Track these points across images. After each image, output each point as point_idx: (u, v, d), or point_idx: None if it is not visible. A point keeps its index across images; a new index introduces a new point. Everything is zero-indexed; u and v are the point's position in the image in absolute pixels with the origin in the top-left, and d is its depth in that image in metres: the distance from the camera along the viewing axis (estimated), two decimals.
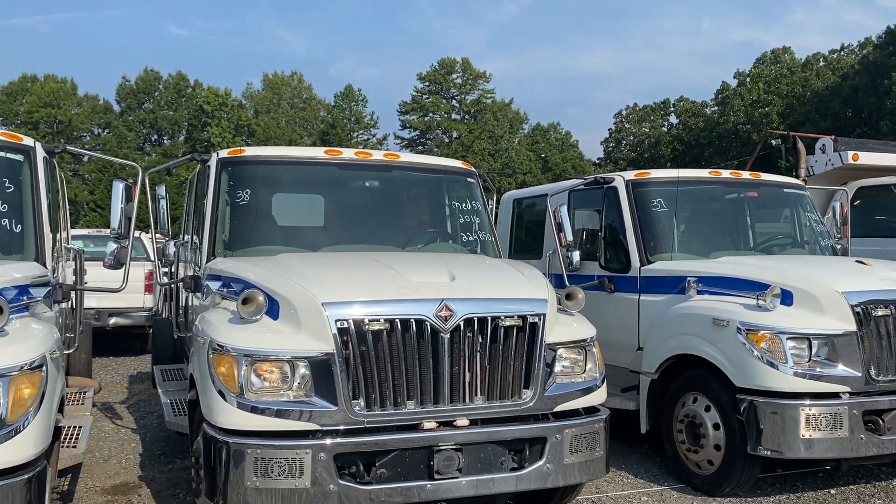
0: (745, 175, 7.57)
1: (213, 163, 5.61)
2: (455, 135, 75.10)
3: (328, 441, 3.88)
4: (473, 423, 4.17)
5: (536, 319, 4.32)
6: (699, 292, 6.01)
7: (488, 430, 4.19)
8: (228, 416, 3.90)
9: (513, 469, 4.23)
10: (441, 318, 4.07)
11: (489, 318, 4.17)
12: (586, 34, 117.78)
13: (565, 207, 6.28)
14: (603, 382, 4.73)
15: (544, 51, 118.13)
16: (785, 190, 7.60)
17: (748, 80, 72.92)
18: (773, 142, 13.10)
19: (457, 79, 75.27)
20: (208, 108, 65.01)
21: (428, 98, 75.32)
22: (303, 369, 3.93)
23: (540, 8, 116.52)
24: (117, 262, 5.32)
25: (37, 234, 5.20)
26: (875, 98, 58.13)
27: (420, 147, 75.14)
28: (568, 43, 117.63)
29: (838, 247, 7.45)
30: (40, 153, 5.42)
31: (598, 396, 4.60)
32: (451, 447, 4.05)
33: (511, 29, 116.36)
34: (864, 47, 67.31)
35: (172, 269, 6.79)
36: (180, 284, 6.29)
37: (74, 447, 4.93)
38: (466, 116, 76.36)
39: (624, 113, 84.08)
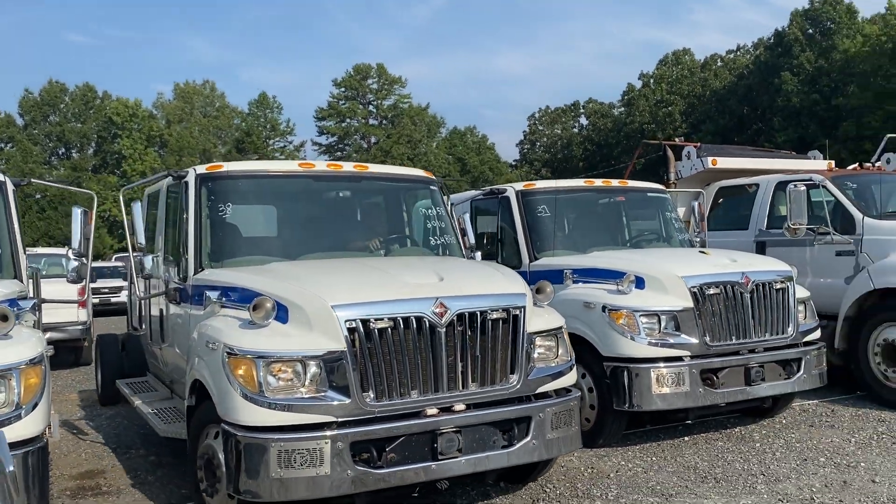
0: (615, 183, 8.65)
1: (190, 178, 5.81)
2: (373, 140, 75.56)
3: (345, 431, 4.17)
4: (469, 407, 4.55)
5: (518, 312, 4.76)
6: (574, 282, 7.06)
7: (483, 413, 4.59)
8: (250, 413, 4.14)
9: (504, 447, 4.64)
10: (437, 315, 4.43)
11: (478, 313, 4.57)
12: (497, 37, 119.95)
13: (468, 215, 7.04)
14: (573, 366, 5.24)
15: (457, 54, 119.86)
16: (649, 194, 8.70)
17: (652, 81, 76.22)
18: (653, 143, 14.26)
19: (373, 84, 75.74)
20: (118, 120, 63.33)
21: (344, 104, 75.47)
22: (318, 367, 4.22)
23: (450, 11, 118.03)
24: (79, 277, 6.18)
25: (13, 255, 5.95)
26: (767, 96, 61.71)
27: (339, 153, 75.27)
28: (480, 46, 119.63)
29: (697, 240, 8.57)
30: (10, 185, 6.11)
31: (570, 379, 5.12)
32: (451, 430, 4.42)
33: (424, 33, 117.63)
34: (757, 48, 71.24)
35: (148, 283, 6.89)
36: (151, 297, 6.58)
37: (52, 435, 5.52)
38: (384, 121, 76.91)
39: (537, 115, 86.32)
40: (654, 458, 6.20)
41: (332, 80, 74.92)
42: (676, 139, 52.67)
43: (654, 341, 6.30)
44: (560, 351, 5.06)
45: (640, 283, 6.60)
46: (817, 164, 10.71)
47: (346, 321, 4.26)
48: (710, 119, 67.22)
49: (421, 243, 6.60)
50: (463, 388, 4.53)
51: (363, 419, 4.23)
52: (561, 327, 5.12)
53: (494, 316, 4.63)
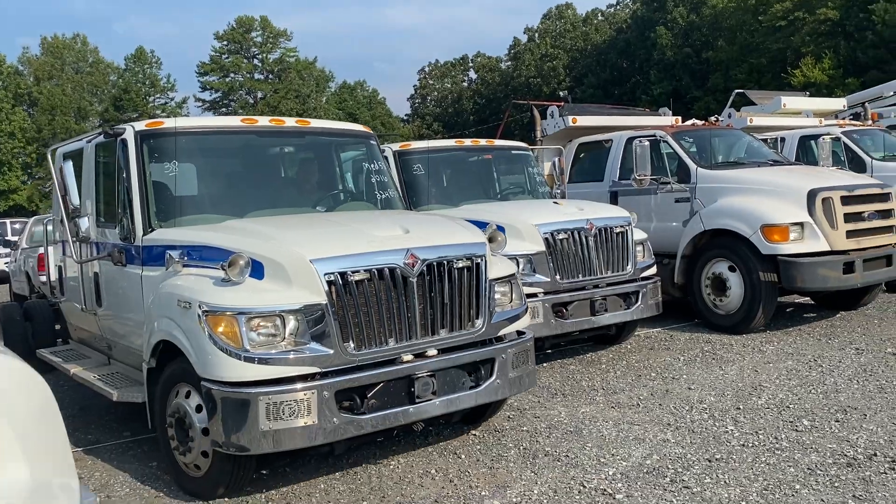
0: (482, 142, 9.44)
1: (129, 136, 5.57)
2: (260, 95, 73.73)
3: (330, 381, 4.28)
4: (440, 352, 4.74)
5: (480, 260, 4.97)
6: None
7: (454, 357, 4.79)
8: (235, 369, 4.17)
9: (471, 387, 4.87)
10: (409, 265, 4.60)
11: (445, 262, 4.76)
12: None
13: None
14: (526, 311, 5.45)
15: (345, 6, 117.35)
16: (513, 151, 9.52)
17: (537, 35, 77.75)
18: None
19: (257, 37, 73.51)
20: None
21: (228, 58, 73.02)
22: (299, 320, 4.28)
23: None
24: None
25: None
26: (644, 50, 64.35)
27: (224, 109, 73.10)
28: None
29: (557, 192, 9.48)
30: None
31: (524, 322, 5.37)
32: (426, 374, 4.60)
33: None
34: (634, 2, 73.75)
35: (81, 247, 6.05)
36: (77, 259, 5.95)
37: None
38: (270, 76, 75.03)
39: (427, 70, 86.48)
40: None
41: (214, 33, 72.26)
42: (560, 93, 54.09)
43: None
44: (514, 296, 5.32)
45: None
46: (665, 120, 11.86)
47: (325, 274, 4.36)
48: (592, 73, 69.49)
49: (365, 198, 6.55)
50: (434, 334, 4.73)
51: (345, 368, 4.37)
52: (514, 274, 5.49)
53: (460, 265, 4.84)
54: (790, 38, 51.70)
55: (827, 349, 7.33)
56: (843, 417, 5.29)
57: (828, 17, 49.82)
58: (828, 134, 11.26)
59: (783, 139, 12.08)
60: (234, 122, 6.22)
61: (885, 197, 8.64)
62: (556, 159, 9.85)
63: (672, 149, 9.39)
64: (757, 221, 8.08)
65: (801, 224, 8.01)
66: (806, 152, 11.83)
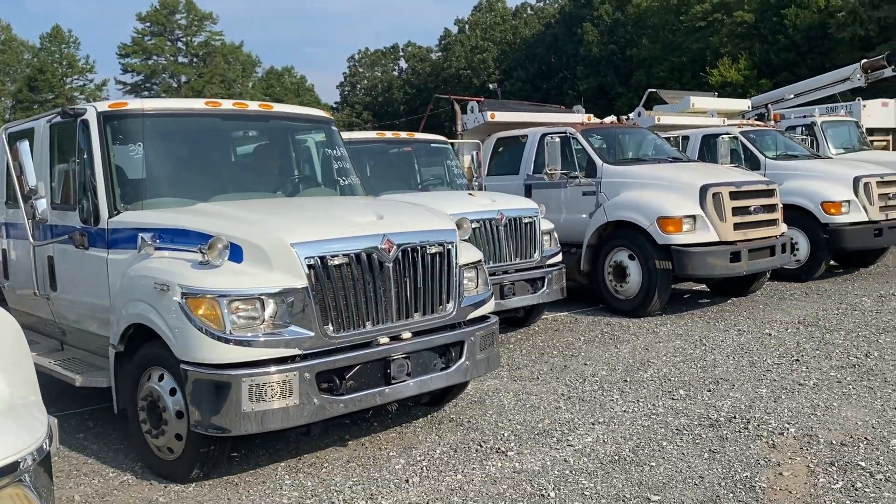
0: (403, 135, 9.84)
1: (90, 117, 5.44)
2: (184, 79, 72.08)
3: (311, 363, 4.34)
4: (414, 335, 4.82)
5: (451, 246, 5.08)
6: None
7: (427, 339, 4.88)
8: (216, 351, 4.18)
9: (442, 369, 4.97)
10: (385, 250, 4.67)
11: (419, 247, 4.86)
12: None
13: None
14: (491, 296, 5.60)
15: None
16: (432, 144, 9.96)
17: (467, 27, 78.44)
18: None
19: (181, 20, 71.82)
20: None
21: (150, 40, 71.11)
22: (280, 303, 4.31)
23: None
24: None
25: None
26: (571, 46, 65.80)
27: (146, 93, 71.12)
28: None
29: (476, 184, 9.98)
30: None
31: (489, 307, 5.50)
32: (401, 356, 4.70)
33: None
34: None
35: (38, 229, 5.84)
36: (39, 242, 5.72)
37: None
38: (195, 60, 73.45)
39: (357, 57, 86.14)
40: None
41: (136, 14, 70.18)
42: (490, 86, 54.37)
43: None
44: (480, 281, 5.45)
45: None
46: (577, 117, 12.49)
47: (305, 258, 4.41)
48: (521, 66, 70.64)
49: (325, 184, 6.52)
50: (408, 317, 4.82)
51: (324, 350, 4.44)
52: (480, 260, 5.56)
53: (433, 250, 4.95)
54: (709, 38, 53.78)
55: (713, 330, 8.05)
56: (715, 388, 5.93)
57: (744, 19, 52.08)
58: (727, 133, 12.07)
59: (687, 138, 12.90)
60: (198, 104, 6.04)
61: (770, 193, 9.41)
62: (475, 153, 10.33)
63: (581, 145, 9.98)
64: (654, 214, 8.75)
65: (693, 216, 8.69)
66: (709, 150, 12.64)
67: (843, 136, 15.33)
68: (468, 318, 5.24)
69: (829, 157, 13.34)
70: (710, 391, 5.84)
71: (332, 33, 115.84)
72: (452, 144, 10.37)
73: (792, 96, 18.95)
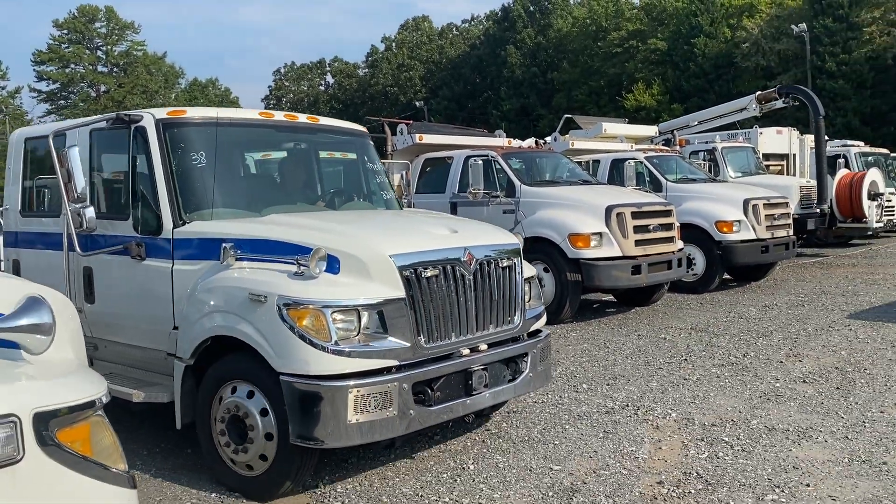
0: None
1: (148, 124, 5.24)
2: (103, 89, 70.49)
3: (408, 373, 4.34)
4: (489, 346, 4.85)
5: (517, 259, 5.16)
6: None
7: (500, 351, 4.92)
8: (322, 363, 4.13)
9: (509, 380, 5.02)
10: (466, 262, 4.73)
11: (493, 260, 4.92)
12: None
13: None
14: (544, 311, 5.62)
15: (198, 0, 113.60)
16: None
17: (394, 45, 79.59)
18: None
19: (101, 28, 70.32)
20: None
21: (68, 48, 69.33)
22: (381, 314, 4.31)
23: None
24: None
25: None
26: (495, 67, 67.72)
27: (63, 101, 69.27)
28: None
29: (405, 202, 10.69)
30: None
31: (543, 321, 5.56)
32: (480, 368, 4.72)
33: None
34: (487, 20, 77.22)
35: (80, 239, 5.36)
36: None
37: None
38: (115, 69, 71.95)
39: (283, 71, 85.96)
40: None
41: (53, 20, 68.25)
42: (417, 104, 55.19)
43: None
44: (534, 295, 5.47)
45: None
46: (499, 141, 13.42)
47: (402, 269, 4.42)
48: (447, 85, 72.11)
49: (367, 198, 6.47)
50: (484, 329, 4.84)
51: (418, 362, 4.43)
52: (535, 275, 5.62)
53: (504, 263, 5.02)
54: (625, 64, 56.43)
55: (616, 335, 8.98)
56: (613, 382, 6.79)
57: (658, 47, 54.90)
58: (633, 158, 13.24)
59: (598, 161, 13.99)
60: (252, 114, 5.91)
61: (667, 213, 10.38)
62: (404, 172, 11.06)
63: (501, 167, 10.85)
64: (565, 231, 9.68)
65: (599, 234, 9.57)
66: (617, 173, 13.73)
67: (741, 160, 16.73)
68: (529, 330, 5.32)
69: (724, 181, 14.65)
70: (608, 385, 6.71)
71: (254, 46, 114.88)
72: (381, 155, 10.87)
73: (696, 123, 20.38)
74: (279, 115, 6.04)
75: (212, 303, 4.60)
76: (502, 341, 5.00)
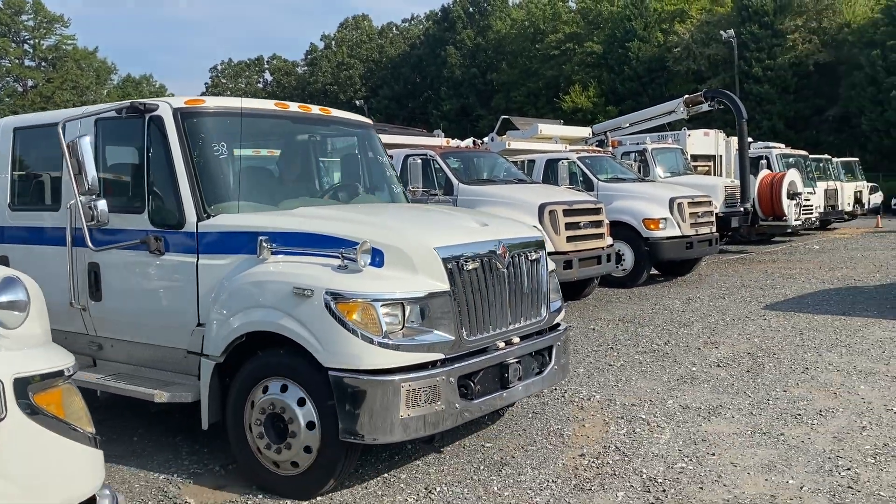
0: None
1: (165, 113, 4.95)
2: (31, 84, 68.23)
3: (453, 367, 4.27)
4: (521, 339, 4.82)
5: (543, 252, 5.15)
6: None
7: (530, 344, 4.90)
8: (374, 357, 4.04)
9: (537, 373, 4.99)
10: (501, 255, 4.70)
11: (524, 253, 4.91)
12: None
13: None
14: (563, 304, 5.59)
15: None
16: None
17: (333, 43, 79.32)
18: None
19: (28, 21, 68.03)
20: None
21: None
22: (427, 307, 4.24)
23: None
24: None
25: None
26: (435, 67, 68.23)
27: None
28: None
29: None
30: None
31: (563, 314, 5.55)
32: (514, 361, 4.67)
33: None
34: (427, 20, 77.65)
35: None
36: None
37: None
38: (43, 64, 69.71)
39: (219, 68, 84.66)
40: None
41: None
42: (357, 102, 55.21)
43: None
44: (553, 288, 5.42)
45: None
46: (438, 141, 13.78)
47: (446, 261, 4.36)
48: (387, 84, 72.28)
49: (377, 191, 6.31)
50: (517, 322, 4.82)
51: (461, 355, 4.37)
52: (554, 269, 5.56)
53: (533, 256, 5.01)
54: (562, 66, 57.61)
55: None
56: None
57: (594, 50, 56.23)
58: (566, 159, 13.75)
59: (533, 161, 14.48)
60: (269, 105, 5.68)
61: (597, 211, 10.85)
62: None
63: (440, 166, 11.21)
64: None
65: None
66: (552, 173, 14.24)
67: (670, 161, 17.47)
68: (552, 323, 5.32)
69: (653, 181, 15.32)
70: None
71: (190, 41, 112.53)
72: None
73: (628, 125, 21.13)
74: (294, 106, 5.84)
75: (249, 298, 4.42)
76: (530, 334, 5.00)
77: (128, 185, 5.28)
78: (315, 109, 6.00)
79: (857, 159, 31.37)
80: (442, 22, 71.01)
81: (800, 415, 5.54)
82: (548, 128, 17.98)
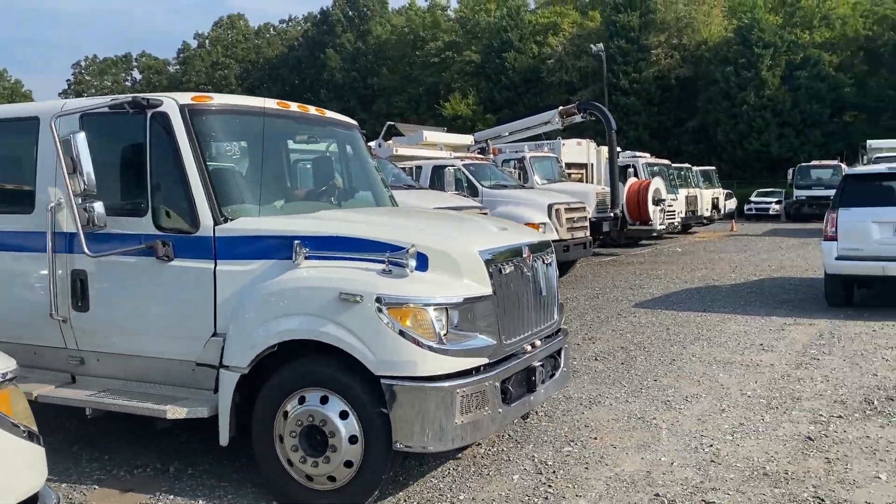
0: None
1: (170, 109, 4.60)
2: None
3: (496, 371, 4.20)
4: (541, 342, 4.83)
5: (553, 256, 5.16)
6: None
7: (549, 346, 4.88)
8: (430, 363, 3.92)
9: (551, 376, 4.94)
10: (526, 259, 4.69)
11: (541, 257, 4.92)
12: None
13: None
14: (563, 306, 5.56)
15: None
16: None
17: (207, 42, 76.98)
18: None
19: None
20: None
21: None
22: (474, 311, 4.15)
23: None
24: None
25: None
26: (315, 70, 67.66)
27: None
28: None
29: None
30: None
31: (563, 318, 5.50)
32: (539, 364, 4.64)
33: None
34: (306, 21, 76.81)
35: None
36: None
37: None
38: None
39: (84, 64, 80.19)
40: None
41: None
42: None
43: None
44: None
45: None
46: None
47: (488, 265, 4.30)
48: (265, 85, 70.89)
49: (371, 193, 6.07)
50: (539, 325, 4.79)
51: (500, 359, 4.30)
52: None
53: (548, 259, 5.04)
54: (442, 73, 58.60)
55: None
56: None
57: (472, 59, 57.56)
58: (452, 165, 14.25)
59: (420, 167, 14.87)
60: (272, 104, 5.34)
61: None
62: None
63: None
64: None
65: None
66: (438, 179, 14.68)
67: (546, 168, 18.32)
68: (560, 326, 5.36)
69: (531, 187, 16.09)
70: None
71: (51, 34, 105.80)
72: None
73: (507, 133, 21.95)
74: (293, 106, 5.56)
75: (284, 305, 4.16)
76: (548, 337, 4.99)
77: (125, 186, 4.85)
78: (312, 110, 5.81)
79: (714, 168, 34.01)
80: (321, 24, 70.51)
81: (668, 401, 6.16)
82: (433, 135, 18.45)
